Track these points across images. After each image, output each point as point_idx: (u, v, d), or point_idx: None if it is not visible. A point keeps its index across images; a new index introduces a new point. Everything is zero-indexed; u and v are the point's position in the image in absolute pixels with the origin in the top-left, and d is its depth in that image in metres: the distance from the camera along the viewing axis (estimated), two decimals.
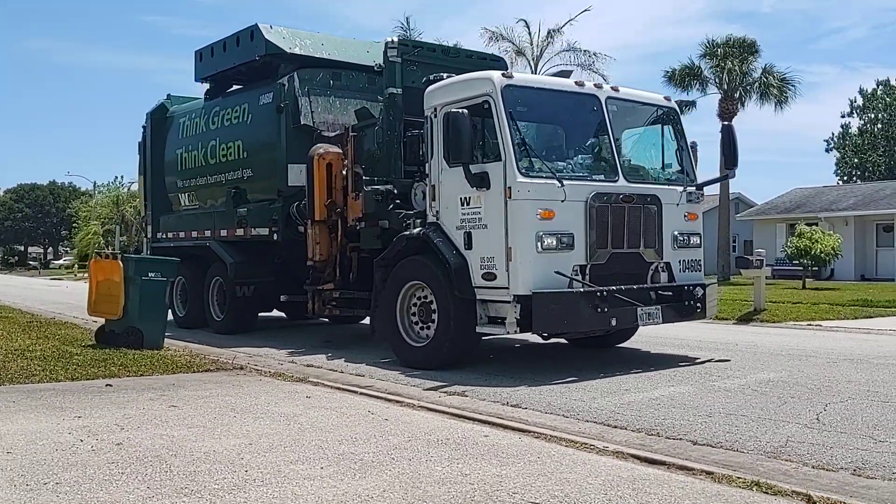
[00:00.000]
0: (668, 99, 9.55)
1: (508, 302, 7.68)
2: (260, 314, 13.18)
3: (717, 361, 8.73)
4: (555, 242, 7.73)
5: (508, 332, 7.89)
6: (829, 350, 9.64)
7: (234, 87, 13.36)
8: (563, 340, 9.92)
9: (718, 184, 20.30)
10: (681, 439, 5.31)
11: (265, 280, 12.22)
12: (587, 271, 7.92)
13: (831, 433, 5.38)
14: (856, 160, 57.80)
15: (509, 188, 7.71)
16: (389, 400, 6.76)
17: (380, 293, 9.01)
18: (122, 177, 68.66)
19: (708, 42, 31.73)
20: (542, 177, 7.82)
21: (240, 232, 12.21)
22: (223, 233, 12.62)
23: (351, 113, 11.23)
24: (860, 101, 58.61)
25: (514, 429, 5.60)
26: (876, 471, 4.49)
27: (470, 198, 8.08)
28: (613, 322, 7.97)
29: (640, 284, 8.29)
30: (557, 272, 7.67)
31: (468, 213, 8.12)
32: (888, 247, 32.86)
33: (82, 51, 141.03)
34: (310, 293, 10.65)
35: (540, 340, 9.71)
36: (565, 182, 7.86)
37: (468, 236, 8.10)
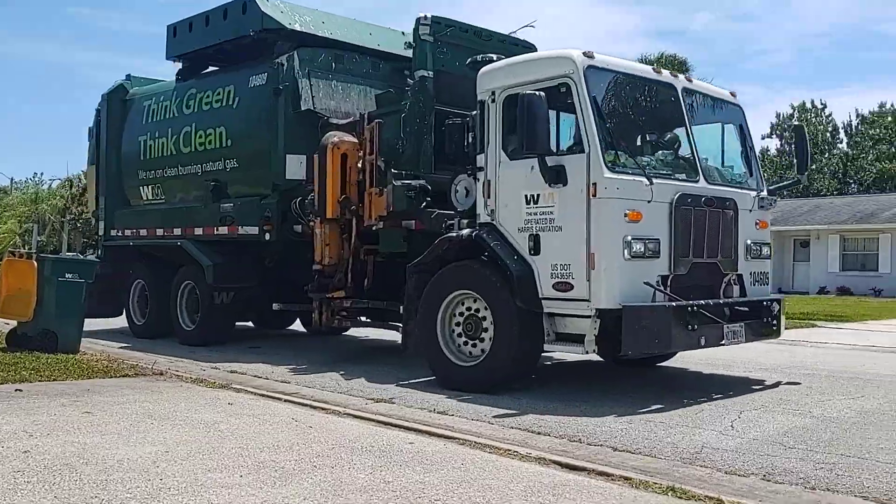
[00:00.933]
0: (734, 95, 8.75)
1: (588, 316, 6.74)
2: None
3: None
4: (643, 248, 6.83)
5: (587, 352, 6.91)
6: (747, 360, 9.97)
7: (211, 67, 11.94)
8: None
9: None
10: (601, 445, 5.41)
11: (248, 286, 10.85)
12: (668, 282, 7.04)
13: (744, 440, 5.56)
14: (775, 178, 60.40)
15: (594, 184, 6.72)
16: (315, 407, 6.68)
17: (413, 303, 7.97)
18: (41, 174, 66.28)
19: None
20: (628, 173, 6.91)
21: (222, 230, 10.76)
22: (198, 231, 11.12)
23: (353, 99, 10.32)
24: (776, 122, 61.72)
25: (439, 435, 5.60)
26: (784, 476, 4.66)
27: (539, 195, 7.08)
28: (703, 341, 7.02)
29: (716, 298, 7.46)
30: (646, 283, 6.82)
31: (536, 213, 7.13)
32: (804, 261, 34.42)
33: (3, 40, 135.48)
34: (316, 302, 9.39)
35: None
36: (654, 180, 7.01)
37: (535, 239, 7.10)
